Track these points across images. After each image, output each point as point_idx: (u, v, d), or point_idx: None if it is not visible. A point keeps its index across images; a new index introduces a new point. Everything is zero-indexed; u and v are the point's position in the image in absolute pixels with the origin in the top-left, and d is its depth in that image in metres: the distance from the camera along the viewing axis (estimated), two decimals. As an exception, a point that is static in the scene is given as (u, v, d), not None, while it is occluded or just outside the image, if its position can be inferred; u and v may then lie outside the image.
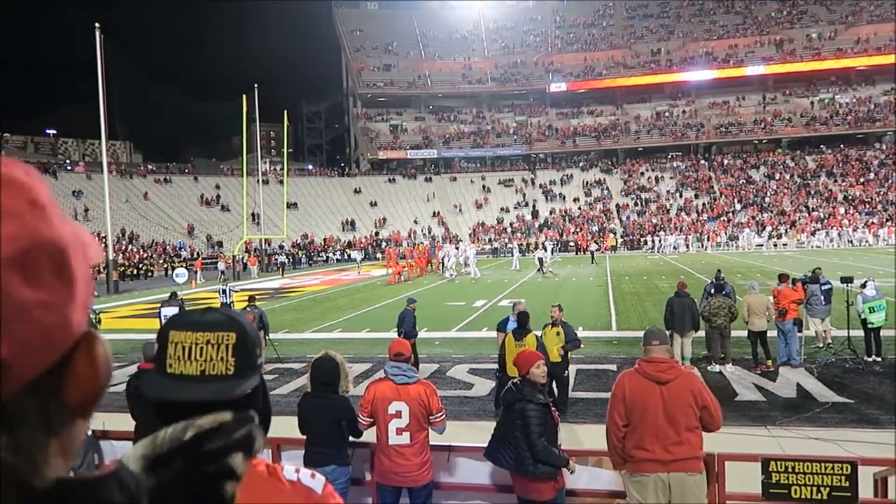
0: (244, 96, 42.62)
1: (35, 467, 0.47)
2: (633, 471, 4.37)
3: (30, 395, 0.47)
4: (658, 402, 4.29)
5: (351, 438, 5.04)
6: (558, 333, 9.06)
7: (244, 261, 44.69)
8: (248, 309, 12.48)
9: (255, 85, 45.31)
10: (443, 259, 37.00)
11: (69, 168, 61.50)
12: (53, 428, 0.49)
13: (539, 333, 9.12)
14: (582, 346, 10.01)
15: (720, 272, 13.31)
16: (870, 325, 11.39)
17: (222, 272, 38.89)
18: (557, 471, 4.65)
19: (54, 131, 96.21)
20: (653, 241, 52.85)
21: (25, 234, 0.46)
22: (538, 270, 33.91)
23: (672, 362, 4.53)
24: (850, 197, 56.46)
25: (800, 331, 11.48)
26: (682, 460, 4.26)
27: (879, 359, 11.42)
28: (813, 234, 50.61)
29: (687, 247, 51.77)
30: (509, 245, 49.34)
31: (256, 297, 14.93)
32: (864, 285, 11.70)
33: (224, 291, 19.35)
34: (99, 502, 0.50)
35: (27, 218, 0.47)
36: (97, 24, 28.61)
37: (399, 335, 11.13)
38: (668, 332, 11.38)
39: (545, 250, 37.23)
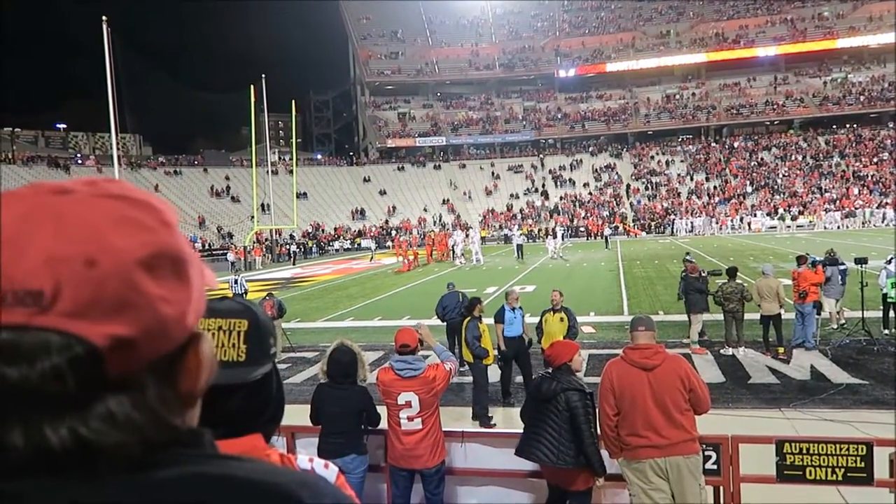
0: (252, 87, 42.65)
1: (156, 424, 0.57)
2: (630, 458, 4.38)
3: (150, 373, 0.58)
4: (646, 388, 4.29)
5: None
6: (562, 319, 9.01)
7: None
8: (267, 298, 12.77)
9: (263, 75, 45.29)
10: (452, 246, 36.98)
11: (80, 162, 61.83)
12: (169, 406, 0.59)
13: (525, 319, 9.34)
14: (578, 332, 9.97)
15: (688, 254, 13.44)
16: (889, 300, 11.66)
17: (232, 263, 39.10)
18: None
19: (64, 125, 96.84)
20: (673, 224, 52.64)
21: (155, 242, 0.58)
22: (517, 257, 34.18)
23: (657, 347, 4.48)
24: (863, 177, 55.87)
25: (818, 313, 11.47)
26: (676, 444, 4.26)
27: None
28: (849, 214, 50.12)
29: (690, 229, 51.51)
30: (509, 233, 49.08)
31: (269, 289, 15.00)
32: (888, 261, 11.87)
33: (236, 282, 19.45)
34: (202, 454, 0.61)
35: (158, 231, 0.59)
36: (104, 18, 28.64)
37: (442, 320, 11.20)
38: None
39: (555, 236, 37.07)
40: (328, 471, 1.27)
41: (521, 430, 4.97)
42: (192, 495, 0.54)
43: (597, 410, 4.64)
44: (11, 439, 0.50)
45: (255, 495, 0.57)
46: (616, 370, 4.45)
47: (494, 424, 8.21)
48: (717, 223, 52.27)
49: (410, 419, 4.86)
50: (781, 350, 10.92)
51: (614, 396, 4.38)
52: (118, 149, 34.70)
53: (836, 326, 12.55)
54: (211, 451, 0.62)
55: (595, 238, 50.57)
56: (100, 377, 0.54)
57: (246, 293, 19.14)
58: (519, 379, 9.41)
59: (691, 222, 52.39)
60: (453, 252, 36.51)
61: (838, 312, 12.74)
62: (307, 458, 1.28)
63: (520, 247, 35.25)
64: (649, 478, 4.29)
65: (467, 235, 37.54)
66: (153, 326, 0.57)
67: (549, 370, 4.85)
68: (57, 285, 0.52)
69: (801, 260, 11.86)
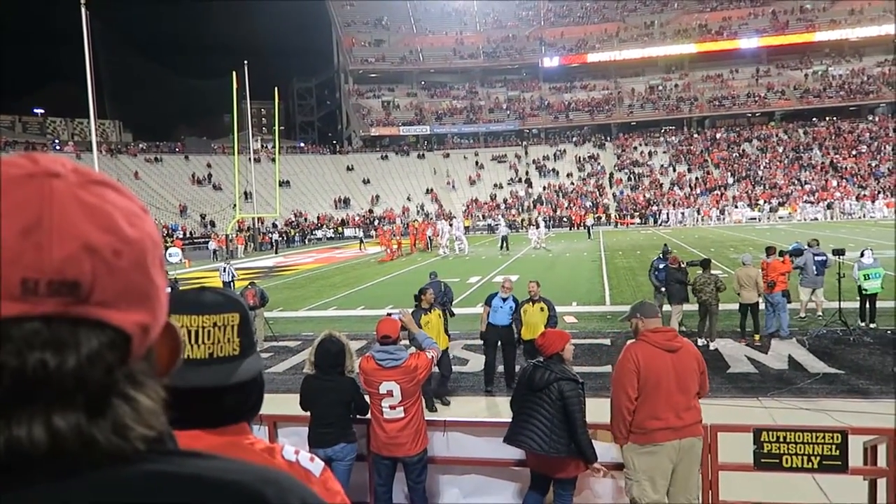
0: (234, 73, 42.17)
1: (158, 414, 0.58)
2: (643, 442, 4.36)
3: (143, 359, 0.59)
4: (670, 370, 4.33)
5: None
6: (542, 309, 9.04)
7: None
8: (249, 287, 12.77)
9: (245, 62, 44.78)
10: (429, 237, 37.05)
11: (58, 148, 60.79)
12: (159, 387, 0.60)
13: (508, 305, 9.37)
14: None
15: (666, 246, 13.63)
16: (864, 292, 11.81)
17: (214, 251, 38.82)
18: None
19: (42, 111, 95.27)
20: (659, 215, 53.01)
21: (152, 232, 0.59)
22: (501, 247, 33.40)
23: (675, 331, 4.64)
24: (841, 169, 56.55)
25: (789, 302, 11.65)
26: (691, 425, 4.37)
27: (874, 325, 11.77)
28: (828, 206, 50.70)
29: (679, 220, 51.93)
30: (493, 223, 48.95)
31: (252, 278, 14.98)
32: (862, 254, 12.01)
33: (225, 269, 19.28)
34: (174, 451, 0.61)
35: (147, 220, 0.60)
36: (83, 1, 28.13)
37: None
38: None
39: (538, 227, 37.04)
40: (313, 464, 1.26)
41: (500, 419, 5.00)
42: (154, 495, 0.53)
43: (584, 398, 4.66)
44: (28, 430, 0.49)
45: (218, 494, 0.56)
46: (641, 352, 4.41)
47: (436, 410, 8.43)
48: (699, 213, 52.73)
49: (392, 408, 4.87)
50: (757, 338, 11.08)
51: (639, 378, 4.35)
52: (97, 135, 34.21)
53: (803, 315, 12.75)
54: (172, 448, 0.61)
55: (578, 228, 50.76)
56: (126, 364, 0.55)
57: (234, 281, 19.07)
58: (501, 368, 9.46)
59: (682, 213, 52.85)
60: (430, 242, 36.63)
61: (817, 303, 12.90)
62: (293, 449, 1.28)
63: (505, 238, 34.18)
64: (661, 462, 4.32)
65: (451, 225, 37.51)
66: (159, 313, 0.59)
67: (541, 359, 4.85)
68: (93, 275, 0.52)
69: (770, 251, 12.05)
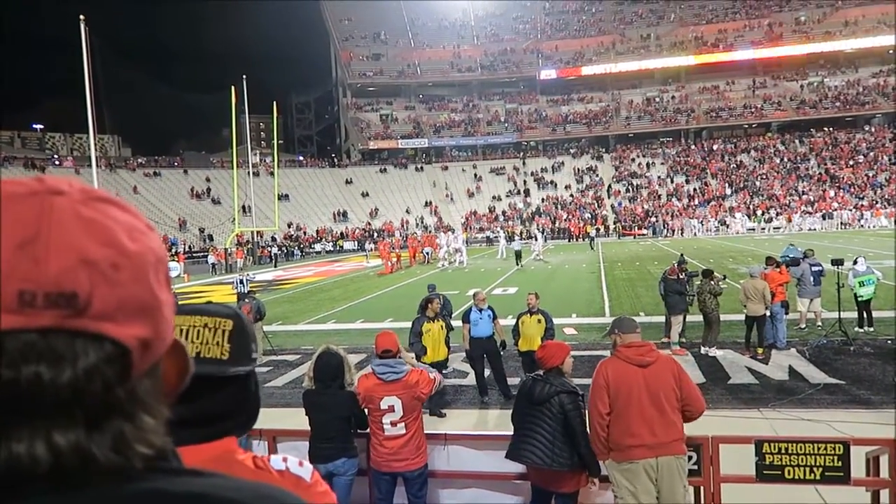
0: (232, 88, 42.32)
1: (160, 432, 0.58)
2: (620, 459, 4.33)
3: (147, 377, 0.58)
4: (641, 385, 4.28)
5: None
6: (539, 321, 9.05)
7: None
8: (245, 300, 12.53)
9: (244, 76, 44.96)
10: (425, 253, 37.20)
11: (57, 163, 60.97)
12: (162, 406, 0.60)
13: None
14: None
15: (682, 255, 13.70)
16: (860, 298, 12.14)
17: (213, 265, 38.79)
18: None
19: (41, 126, 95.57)
20: (666, 226, 53.12)
21: (155, 247, 0.59)
22: (516, 262, 32.60)
23: (651, 345, 4.52)
24: (838, 179, 56.72)
25: (787, 313, 11.69)
26: (668, 443, 4.26)
27: (871, 328, 12.05)
28: (825, 216, 50.81)
29: (676, 231, 51.97)
30: (492, 235, 49.04)
31: (252, 290, 14.88)
32: (855, 262, 12.29)
33: (241, 281, 19.11)
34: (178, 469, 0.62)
35: (152, 236, 0.60)
36: (82, 17, 28.27)
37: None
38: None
39: (536, 239, 37.05)
40: (303, 468, 1.26)
41: (500, 432, 4.97)
42: None
43: (584, 410, 4.62)
44: (27, 445, 0.49)
45: None
46: (611, 367, 4.41)
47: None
48: (702, 224, 52.80)
49: (394, 424, 4.83)
50: (761, 351, 11.05)
51: (609, 394, 4.33)
52: (96, 150, 34.27)
53: (804, 326, 12.77)
54: (176, 465, 0.61)
55: (577, 240, 50.76)
56: (128, 381, 0.55)
57: (249, 293, 18.98)
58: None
59: (682, 223, 52.94)
60: (426, 256, 36.75)
61: (815, 313, 12.92)
62: (280, 457, 1.28)
63: (518, 252, 32.21)
64: (641, 479, 4.27)
65: (448, 238, 37.62)
66: (162, 329, 0.58)
67: (541, 372, 4.81)
68: (91, 288, 0.52)
69: (769, 261, 12.13)
